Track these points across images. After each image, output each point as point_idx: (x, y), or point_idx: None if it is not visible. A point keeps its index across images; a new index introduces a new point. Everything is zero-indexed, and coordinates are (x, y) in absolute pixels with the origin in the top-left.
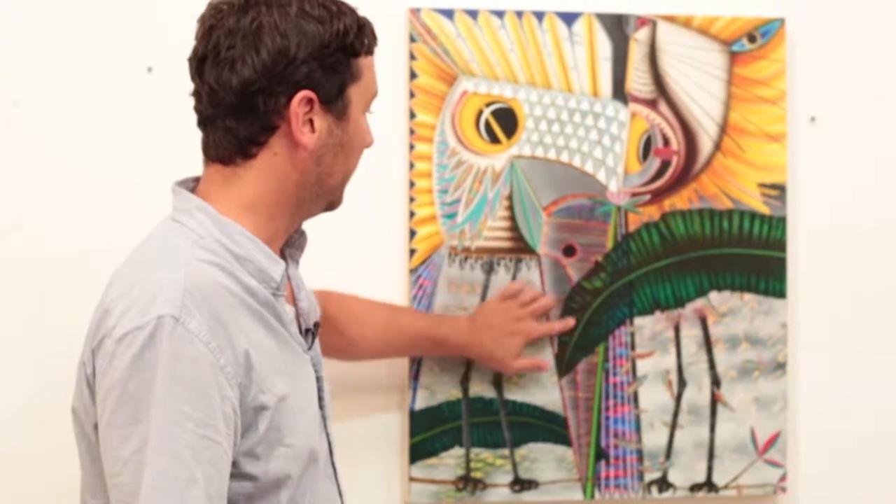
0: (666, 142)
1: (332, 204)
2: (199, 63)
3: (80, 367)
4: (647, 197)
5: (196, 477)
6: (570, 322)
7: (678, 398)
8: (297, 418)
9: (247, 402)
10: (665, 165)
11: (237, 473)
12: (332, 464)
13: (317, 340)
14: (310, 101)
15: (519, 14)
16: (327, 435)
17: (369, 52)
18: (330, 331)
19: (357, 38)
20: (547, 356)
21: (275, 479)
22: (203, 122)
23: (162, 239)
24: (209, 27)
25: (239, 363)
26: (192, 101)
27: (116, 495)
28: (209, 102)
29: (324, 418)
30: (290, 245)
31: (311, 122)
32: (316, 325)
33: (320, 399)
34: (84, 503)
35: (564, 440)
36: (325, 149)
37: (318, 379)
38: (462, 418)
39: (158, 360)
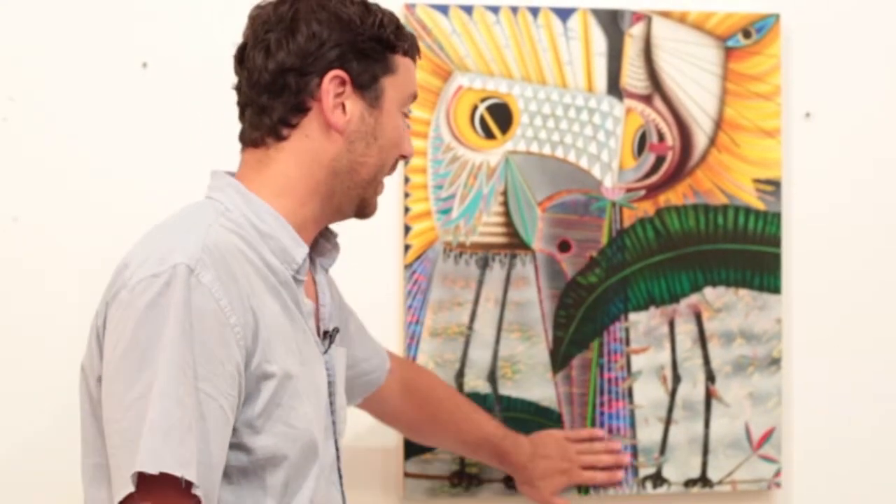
0: (661, 137)
1: (363, 203)
2: (241, 51)
3: (93, 320)
4: (642, 192)
5: (193, 428)
6: (617, 477)
7: (673, 394)
8: (302, 403)
9: (251, 368)
10: (660, 161)
11: (234, 443)
12: (339, 470)
13: (342, 351)
14: (342, 81)
15: (514, 9)
16: (335, 442)
17: (408, 54)
18: (410, 402)
19: (394, 35)
20: (541, 352)
21: (270, 456)
22: (242, 110)
23: (189, 210)
24: (253, 17)
25: (248, 325)
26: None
27: (115, 441)
28: (247, 86)
29: (334, 424)
30: (322, 254)
31: (343, 106)
32: (335, 330)
33: (331, 405)
34: (83, 466)
35: None
36: (356, 134)
37: (331, 384)
38: None
39: (170, 307)
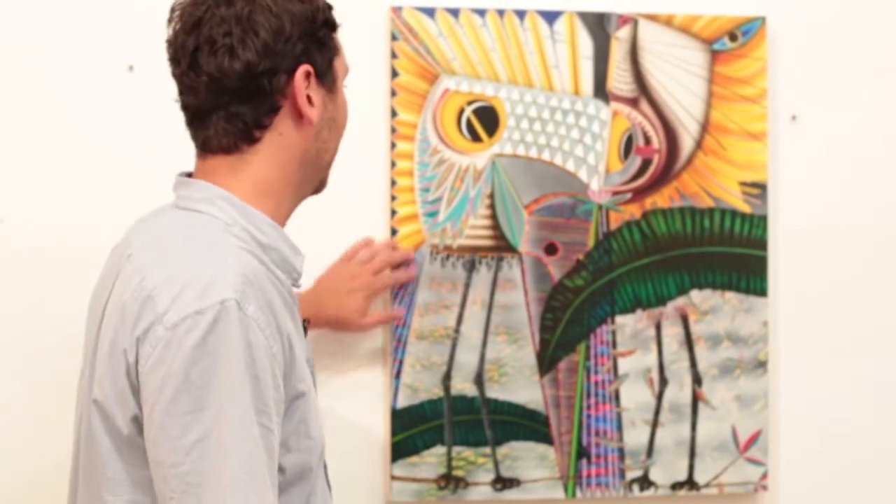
0: (647, 140)
1: (321, 183)
2: (192, 56)
3: (110, 357)
4: (629, 195)
5: (263, 468)
6: (411, 272)
7: (659, 396)
8: (316, 411)
9: (287, 390)
10: (646, 164)
11: None
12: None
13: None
14: (308, 74)
15: (500, 12)
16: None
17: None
18: None
19: (331, 14)
20: (528, 355)
21: (299, 473)
22: (200, 116)
23: (185, 227)
24: (196, 20)
25: (285, 351)
26: (173, 100)
27: (174, 485)
28: (211, 92)
29: None
30: None
31: (309, 97)
32: (306, 321)
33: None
34: (100, 499)
35: (546, 438)
36: (322, 123)
37: (311, 374)
38: (444, 417)
39: (225, 346)
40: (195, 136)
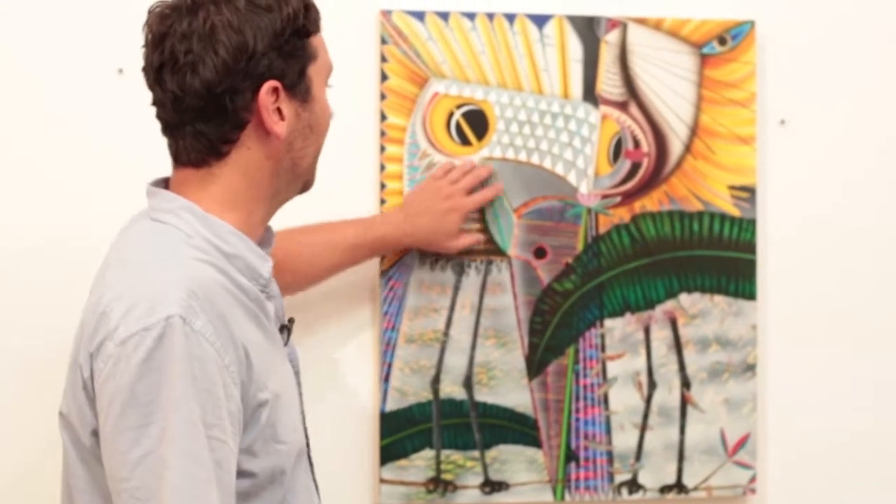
0: (636, 144)
1: (307, 184)
2: (157, 72)
3: (72, 371)
4: (618, 199)
5: (211, 480)
6: (499, 187)
7: (648, 400)
8: (289, 415)
9: (247, 399)
10: (635, 167)
11: (237, 471)
12: (309, 458)
13: (291, 337)
14: (275, 90)
15: (490, 16)
16: (304, 430)
17: (318, 28)
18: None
19: (306, 18)
20: (517, 358)
21: (270, 476)
22: (169, 129)
23: (148, 239)
24: (161, 35)
25: (241, 361)
26: None
27: (124, 499)
28: (174, 109)
29: (301, 414)
30: (261, 242)
31: (279, 110)
32: (291, 320)
33: (299, 395)
34: None
35: (535, 442)
36: (294, 133)
37: (296, 374)
38: (432, 420)
39: (169, 362)
40: (168, 147)
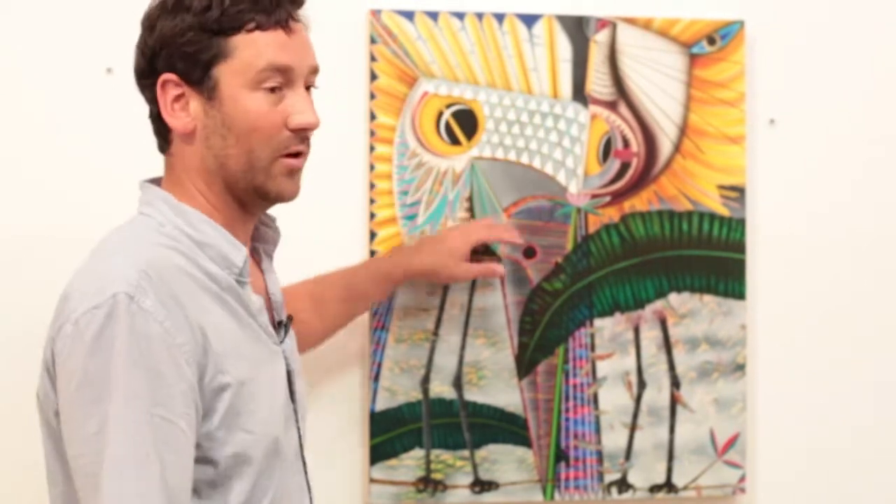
0: (626, 143)
1: (261, 190)
2: None
3: (43, 351)
4: (607, 198)
5: (151, 456)
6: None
7: (638, 399)
8: (259, 405)
9: (205, 382)
10: (625, 167)
11: (198, 457)
12: (303, 458)
13: (291, 334)
14: (168, 83)
15: (479, 16)
16: (298, 429)
17: (239, 28)
18: (301, 323)
19: (225, 16)
20: (506, 358)
21: (234, 465)
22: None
23: (122, 229)
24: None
25: (197, 342)
26: None
27: (79, 476)
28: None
29: (295, 412)
30: (263, 240)
31: (177, 105)
32: (289, 318)
33: (292, 393)
34: (51, 496)
35: (524, 441)
36: (207, 130)
37: (290, 373)
38: (422, 420)
39: (115, 339)
40: None
